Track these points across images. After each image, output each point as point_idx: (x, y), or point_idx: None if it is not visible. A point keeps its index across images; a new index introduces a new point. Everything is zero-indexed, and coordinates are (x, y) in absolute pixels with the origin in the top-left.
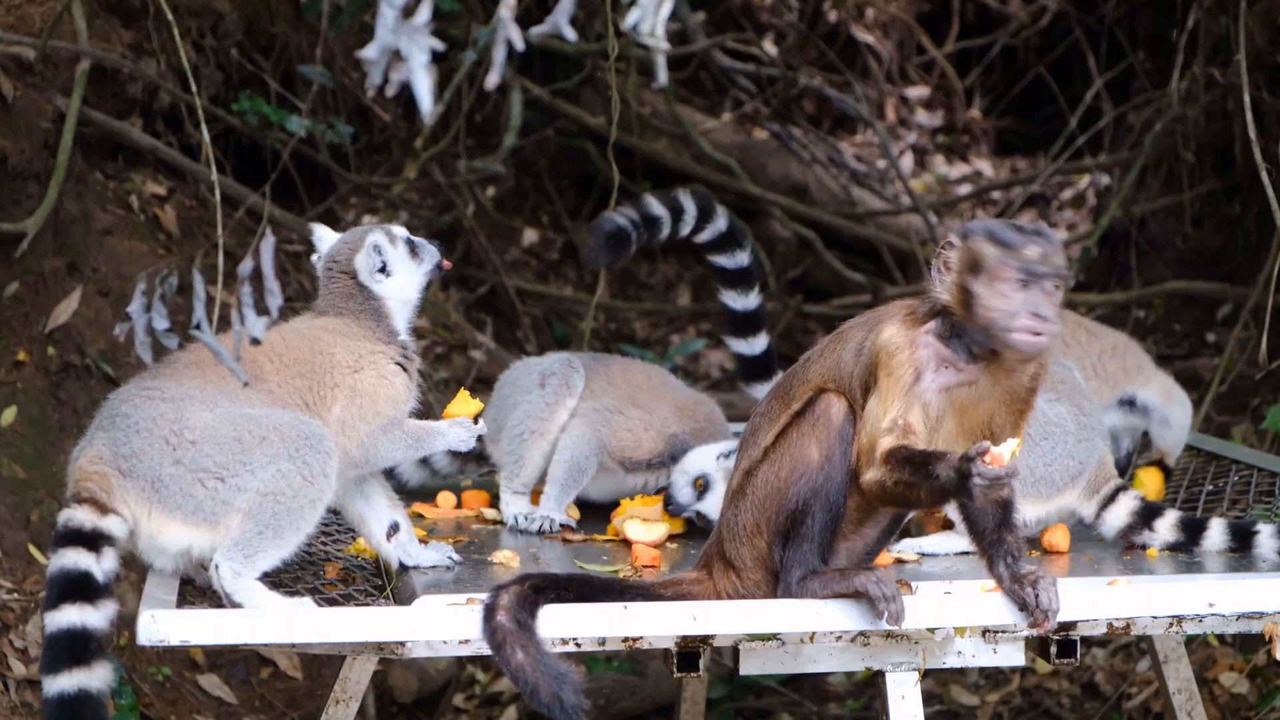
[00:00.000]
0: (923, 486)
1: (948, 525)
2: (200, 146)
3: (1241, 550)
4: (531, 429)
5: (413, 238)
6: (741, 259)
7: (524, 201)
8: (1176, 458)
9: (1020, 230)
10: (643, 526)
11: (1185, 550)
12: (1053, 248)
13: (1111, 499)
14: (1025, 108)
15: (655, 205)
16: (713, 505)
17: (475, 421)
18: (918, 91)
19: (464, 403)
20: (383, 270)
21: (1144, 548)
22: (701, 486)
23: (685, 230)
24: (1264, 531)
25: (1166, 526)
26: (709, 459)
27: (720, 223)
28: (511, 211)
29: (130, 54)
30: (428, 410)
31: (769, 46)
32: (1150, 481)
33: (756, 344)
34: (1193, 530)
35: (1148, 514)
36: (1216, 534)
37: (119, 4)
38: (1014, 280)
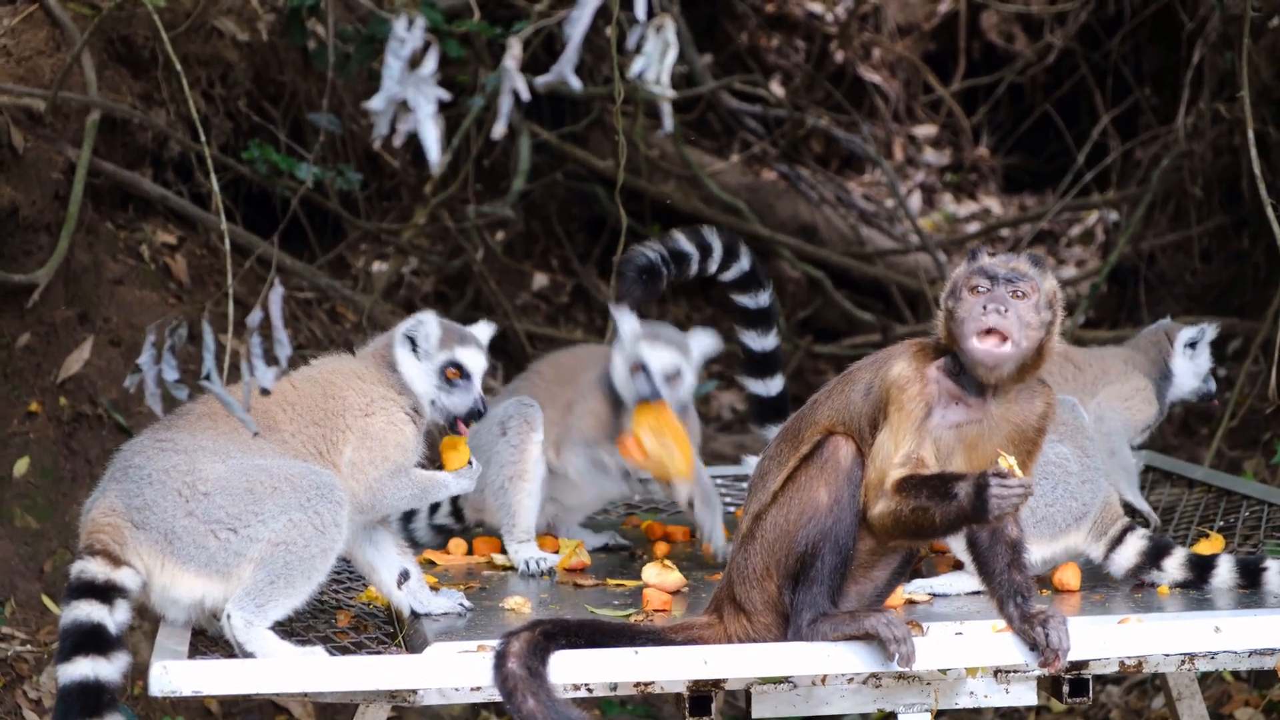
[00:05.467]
0: (938, 510)
1: (958, 565)
2: (210, 195)
3: (1250, 587)
4: (509, 475)
5: (462, 374)
6: (763, 299)
7: (533, 245)
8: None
9: (995, 252)
10: (658, 571)
11: (1195, 588)
12: (1019, 259)
13: (1120, 539)
14: (1032, 145)
15: (683, 242)
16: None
17: (470, 464)
18: (925, 130)
19: (454, 449)
20: (414, 350)
21: (1154, 586)
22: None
23: (712, 268)
24: (1272, 568)
25: (1175, 565)
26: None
27: (744, 262)
28: (521, 255)
29: (140, 104)
30: (426, 466)
31: (776, 88)
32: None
33: (772, 385)
34: (1201, 568)
35: (1156, 553)
36: (1225, 571)
37: (128, 55)
38: (973, 287)
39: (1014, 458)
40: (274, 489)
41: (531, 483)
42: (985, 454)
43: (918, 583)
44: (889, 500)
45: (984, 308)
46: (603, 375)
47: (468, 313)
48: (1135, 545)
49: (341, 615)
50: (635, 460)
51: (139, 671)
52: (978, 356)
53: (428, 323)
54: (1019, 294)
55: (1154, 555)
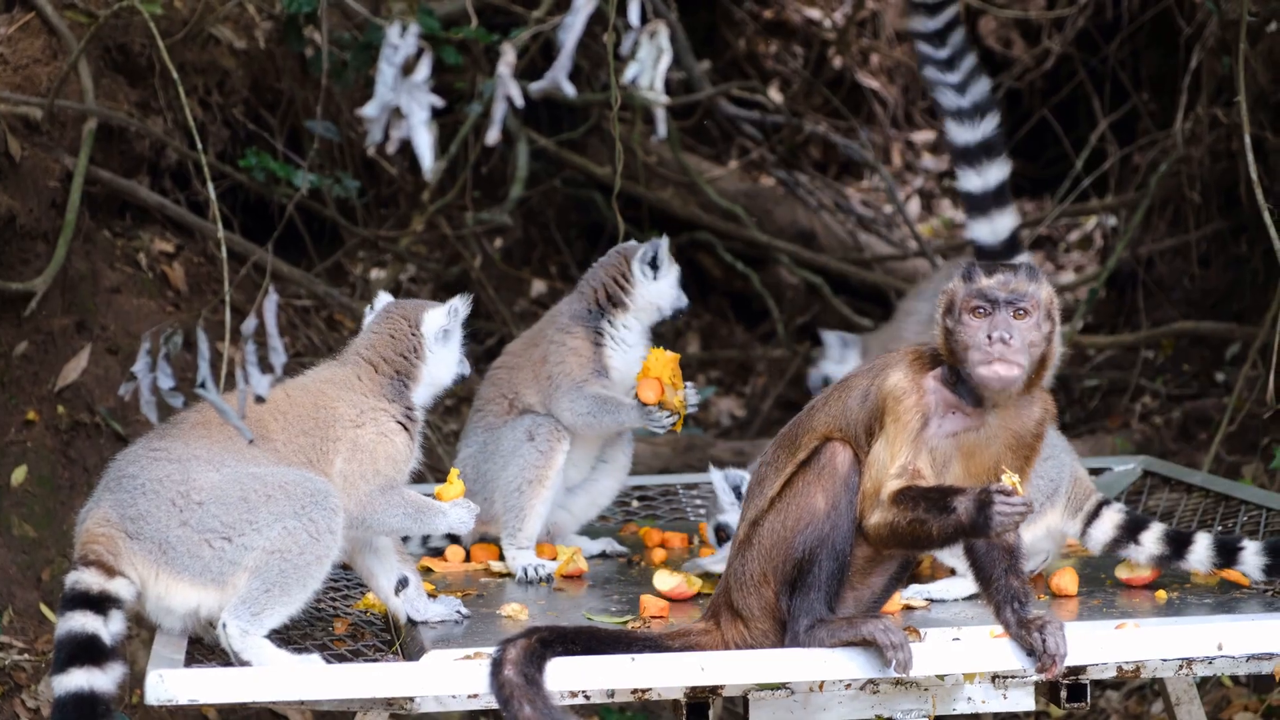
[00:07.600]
0: (936, 523)
1: (955, 571)
2: (207, 203)
3: (1227, 565)
4: (530, 479)
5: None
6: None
7: (532, 252)
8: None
9: (990, 266)
10: (670, 577)
11: (1172, 562)
12: (1017, 278)
13: (1095, 514)
14: (1030, 151)
15: None
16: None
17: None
18: (923, 136)
19: (448, 483)
20: (445, 337)
21: (1151, 589)
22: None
23: None
24: (1249, 548)
25: (1152, 540)
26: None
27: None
28: (519, 262)
29: (137, 112)
30: (425, 474)
31: (774, 94)
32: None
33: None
34: (1178, 544)
35: (1133, 527)
36: (1201, 549)
37: (125, 63)
38: (974, 309)
39: (1016, 473)
40: (268, 497)
41: (549, 491)
42: (983, 462)
43: (915, 588)
44: (885, 511)
45: (989, 337)
46: (576, 313)
47: (466, 320)
48: (1111, 519)
49: (339, 623)
50: (654, 399)
51: (136, 680)
52: (988, 382)
53: (462, 308)
54: (1020, 313)
55: (1131, 529)
